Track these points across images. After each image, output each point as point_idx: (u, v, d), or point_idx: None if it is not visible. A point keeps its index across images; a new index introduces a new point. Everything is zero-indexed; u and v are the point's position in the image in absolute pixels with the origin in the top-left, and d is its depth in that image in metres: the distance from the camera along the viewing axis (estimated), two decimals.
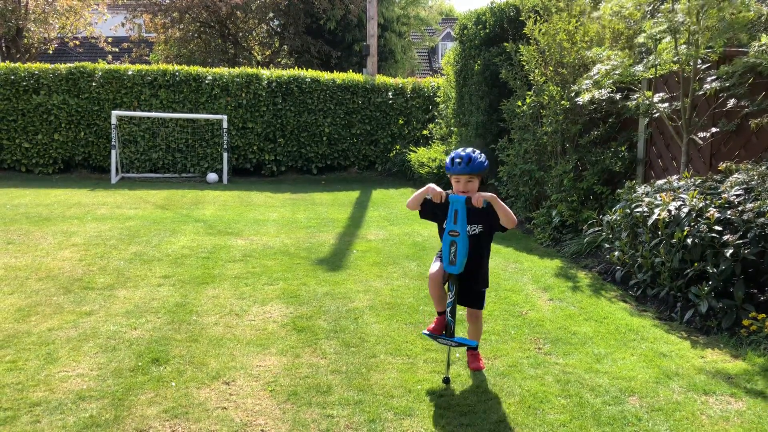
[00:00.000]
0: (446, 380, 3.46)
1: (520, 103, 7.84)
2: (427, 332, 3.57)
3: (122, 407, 3.11)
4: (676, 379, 3.49)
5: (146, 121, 12.38)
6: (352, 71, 14.24)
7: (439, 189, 3.39)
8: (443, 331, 3.53)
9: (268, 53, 21.56)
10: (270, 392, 3.32)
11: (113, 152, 11.80)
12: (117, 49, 22.38)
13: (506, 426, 3.04)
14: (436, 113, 12.73)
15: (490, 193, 3.30)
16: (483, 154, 3.43)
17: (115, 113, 11.77)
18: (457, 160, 3.37)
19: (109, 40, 21.94)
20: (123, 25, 20.78)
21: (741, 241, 4.26)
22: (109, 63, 13.06)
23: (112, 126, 11.74)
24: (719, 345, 4.04)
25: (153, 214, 8.34)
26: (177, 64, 14.96)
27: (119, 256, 6.04)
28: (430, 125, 12.75)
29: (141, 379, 3.41)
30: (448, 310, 3.48)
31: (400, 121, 13.54)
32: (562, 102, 7.12)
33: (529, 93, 7.71)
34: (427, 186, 3.46)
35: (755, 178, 4.73)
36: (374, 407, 3.18)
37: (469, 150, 3.41)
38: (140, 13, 19.97)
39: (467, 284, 3.52)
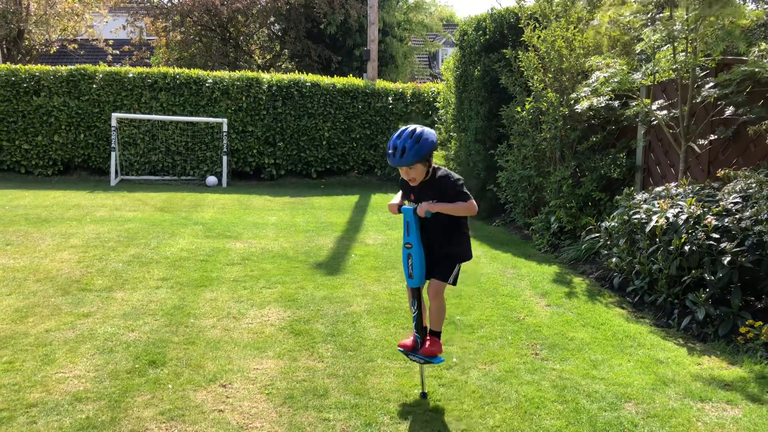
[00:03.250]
0: (423, 395, 3.35)
1: (519, 109, 7.87)
2: (401, 349, 3.42)
3: (118, 409, 3.11)
4: (672, 386, 3.50)
5: (146, 123, 12.40)
6: (353, 76, 14.28)
7: (395, 202, 3.34)
8: (414, 348, 3.35)
9: (268, 57, 21.62)
10: (267, 395, 3.33)
11: (113, 154, 11.81)
12: (118, 52, 22.42)
13: (504, 431, 3.04)
14: (435, 118, 12.75)
15: (428, 204, 3.13)
16: (426, 129, 3.12)
17: (115, 115, 11.79)
18: (390, 151, 3.13)
19: (111, 42, 21.98)
20: (124, 27, 20.83)
21: (738, 249, 4.28)
22: (110, 65, 13.07)
23: (112, 128, 11.76)
24: (716, 352, 4.04)
25: (152, 216, 8.34)
26: (178, 67, 14.99)
27: (117, 258, 6.05)
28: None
29: (138, 381, 3.41)
30: (414, 324, 3.37)
31: (400, 126, 13.56)
32: (561, 108, 7.15)
33: (528, 99, 7.73)
34: (389, 205, 3.38)
35: (753, 185, 4.74)
36: (370, 411, 3.18)
37: (406, 132, 3.10)
38: (141, 16, 20.03)
39: (433, 251, 3.29)
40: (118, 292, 4.98)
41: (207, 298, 4.92)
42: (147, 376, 3.48)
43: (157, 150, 12.52)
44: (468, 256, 3.36)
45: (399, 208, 3.33)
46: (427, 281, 3.34)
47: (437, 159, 11.35)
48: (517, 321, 4.56)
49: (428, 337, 3.38)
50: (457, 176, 3.24)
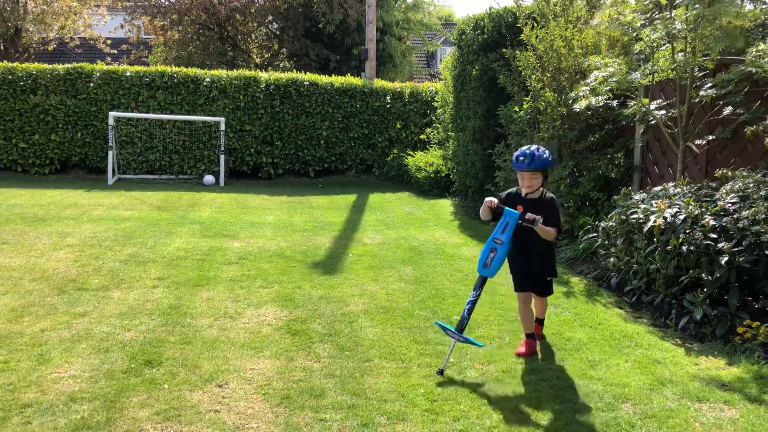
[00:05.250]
0: (440, 372, 3.60)
1: (517, 109, 7.86)
2: (518, 353, 3.93)
3: (114, 409, 3.10)
4: (669, 386, 3.49)
5: (143, 122, 12.36)
6: (351, 75, 14.25)
7: (493, 199, 3.77)
8: (531, 353, 3.91)
9: (266, 56, 21.58)
10: (263, 395, 3.31)
11: (110, 153, 11.78)
12: (116, 51, 22.37)
13: (501, 431, 3.03)
14: (433, 117, 12.74)
15: (538, 220, 3.60)
16: (547, 151, 3.72)
17: (112, 114, 11.75)
18: (521, 158, 3.70)
19: (108, 41, 21.93)
20: (122, 26, 20.78)
21: (736, 249, 4.27)
22: (107, 64, 13.04)
23: (109, 127, 11.73)
24: (713, 352, 4.04)
25: (149, 215, 8.32)
26: (175, 65, 14.95)
27: (114, 257, 6.02)
28: (428, 129, 12.76)
29: (133, 381, 3.40)
30: (467, 308, 3.71)
31: (398, 125, 13.54)
32: (559, 108, 7.14)
33: (526, 99, 7.72)
34: (486, 200, 3.76)
35: (751, 185, 4.74)
36: (367, 411, 3.17)
37: (533, 147, 3.70)
38: (139, 15, 19.97)
39: (531, 267, 3.93)
40: (115, 292, 4.96)
41: (204, 297, 4.90)
42: (143, 376, 3.46)
43: (154, 149, 12.48)
44: (556, 273, 4.12)
45: (496, 208, 3.74)
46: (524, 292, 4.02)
47: (435, 158, 11.34)
48: (514, 321, 4.55)
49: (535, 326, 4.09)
50: (560, 202, 3.74)
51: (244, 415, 3.11)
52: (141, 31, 21.52)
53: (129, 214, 8.31)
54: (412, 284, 5.41)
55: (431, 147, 12.29)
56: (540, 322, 4.21)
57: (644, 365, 3.79)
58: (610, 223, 5.43)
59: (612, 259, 5.34)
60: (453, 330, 3.70)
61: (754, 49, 5.17)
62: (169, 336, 4.07)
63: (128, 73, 12.28)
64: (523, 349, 3.93)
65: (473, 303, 3.71)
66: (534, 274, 3.94)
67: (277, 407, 3.20)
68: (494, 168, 8.53)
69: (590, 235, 6.12)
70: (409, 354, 3.91)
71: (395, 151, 13.24)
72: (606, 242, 5.54)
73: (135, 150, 12.44)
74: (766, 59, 5.14)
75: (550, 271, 4.02)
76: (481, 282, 3.72)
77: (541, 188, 3.82)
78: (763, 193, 4.48)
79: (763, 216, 4.31)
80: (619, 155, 6.97)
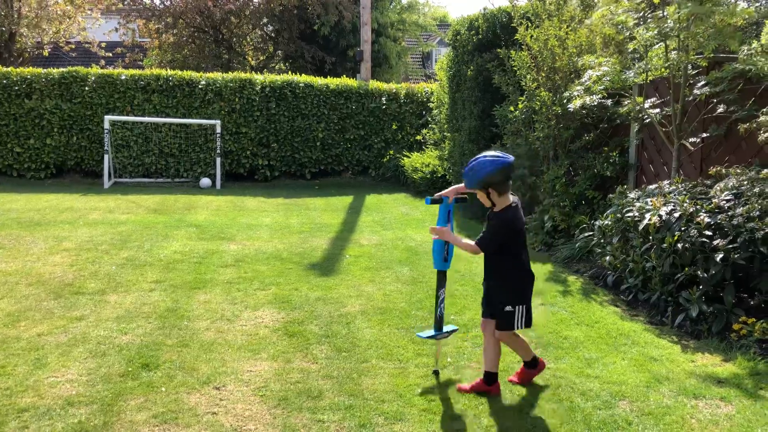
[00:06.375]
0: (436, 372, 3.62)
1: (512, 109, 7.88)
2: (512, 380, 3.54)
3: (111, 413, 3.09)
4: (666, 384, 3.50)
5: (139, 125, 12.35)
6: (347, 77, 14.27)
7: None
8: (525, 381, 3.51)
9: (262, 58, 21.57)
10: (260, 397, 3.31)
11: (106, 157, 11.76)
12: (110, 54, 22.33)
13: (497, 430, 3.04)
14: (429, 118, 12.76)
15: (440, 230, 3.45)
16: (478, 162, 3.23)
17: (107, 118, 11.74)
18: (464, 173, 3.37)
19: (103, 45, 21.88)
20: (117, 30, 20.75)
21: (731, 246, 4.29)
22: (102, 68, 13.02)
23: (105, 131, 11.71)
24: (710, 349, 4.05)
25: (145, 218, 8.31)
26: (171, 69, 14.93)
27: (110, 261, 6.02)
28: (424, 130, 12.78)
29: (131, 385, 3.39)
30: (440, 306, 3.64)
31: (394, 126, 13.56)
32: (554, 107, 7.16)
33: (521, 98, 7.74)
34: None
35: (745, 183, 4.76)
36: (365, 412, 3.17)
37: (475, 161, 3.26)
38: (134, 18, 19.94)
39: (486, 297, 3.50)
40: (111, 295, 4.96)
41: (200, 300, 4.90)
42: (140, 379, 3.46)
43: (150, 152, 12.47)
44: (510, 303, 3.32)
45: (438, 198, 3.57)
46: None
47: (431, 159, 11.35)
48: None
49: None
50: (502, 224, 3.30)
51: (242, 417, 3.11)
52: (136, 34, 21.48)
53: (125, 218, 8.30)
54: (409, 285, 5.42)
55: (427, 148, 12.30)
56: (485, 375, 3.41)
57: (641, 363, 3.80)
58: (606, 222, 5.44)
59: (608, 257, 5.35)
60: (434, 333, 3.69)
61: (746, 47, 5.20)
62: (166, 339, 4.06)
63: (123, 77, 12.27)
64: (466, 386, 3.44)
65: (443, 299, 3.65)
66: (485, 297, 3.50)
67: (274, 409, 3.20)
68: None
69: (586, 234, 6.14)
70: (407, 354, 3.92)
71: (391, 152, 13.25)
72: (602, 241, 5.55)
73: (131, 153, 12.42)
74: (758, 57, 5.17)
75: (497, 298, 3.38)
76: (443, 277, 3.63)
77: (494, 203, 3.32)
78: (756, 190, 4.50)
79: (758, 213, 4.33)
80: (614, 154, 6.99)
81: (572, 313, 4.75)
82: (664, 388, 3.45)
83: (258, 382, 3.48)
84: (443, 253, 3.56)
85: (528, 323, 3.38)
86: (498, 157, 3.23)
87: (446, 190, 3.60)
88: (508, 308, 3.32)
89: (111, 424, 2.99)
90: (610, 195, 5.81)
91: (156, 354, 3.81)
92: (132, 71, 12.56)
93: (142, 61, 21.22)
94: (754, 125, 5.12)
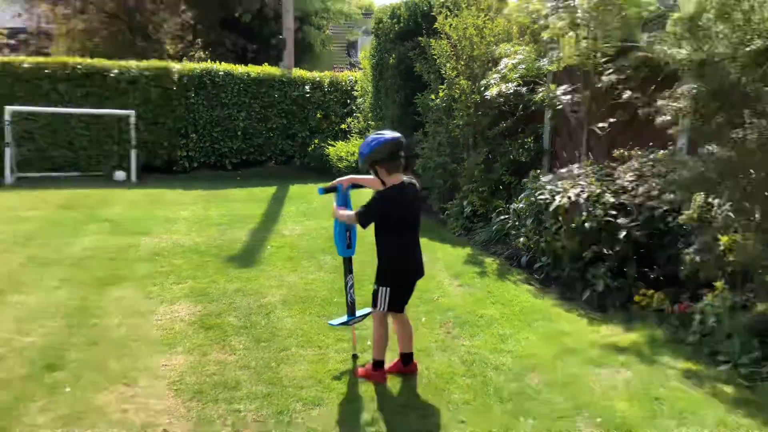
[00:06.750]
0: (354, 357, 3.63)
1: (433, 97, 7.98)
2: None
3: (10, 417, 2.92)
4: (573, 355, 3.68)
5: (45, 117, 11.62)
6: (270, 65, 13.99)
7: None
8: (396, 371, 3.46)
9: (180, 47, 20.80)
10: (175, 391, 3.23)
11: (7, 150, 11.00)
12: (14, 41, 20.86)
13: (413, 407, 3.10)
14: (354, 107, 12.74)
15: (334, 210, 3.50)
16: (367, 140, 3.28)
17: (8, 109, 10.97)
18: None
19: (4, 31, 20.42)
20: (20, 15, 19.39)
21: (633, 224, 4.55)
22: (5, 56, 12.14)
23: (6, 122, 10.95)
24: (614, 321, 4.29)
25: (53, 214, 7.85)
26: (80, 57, 14.12)
27: (12, 260, 5.65)
28: (349, 119, 12.74)
29: (32, 387, 3.21)
30: (350, 292, 3.69)
31: (319, 115, 13.44)
32: (473, 95, 7.31)
33: (441, 87, 7.85)
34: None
35: (645, 164, 5.05)
36: (283, 399, 3.15)
37: (366, 141, 3.32)
38: (38, 2, 18.71)
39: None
40: (12, 296, 4.66)
41: (113, 297, 4.69)
42: (42, 382, 3.28)
43: (58, 145, 11.76)
44: (377, 282, 3.31)
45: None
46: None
47: (356, 148, 11.33)
48: (431, 302, 4.65)
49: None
50: (382, 198, 3.30)
51: (155, 412, 3.01)
52: (41, 19, 20.17)
53: (31, 215, 7.81)
54: (331, 273, 5.41)
55: (352, 137, 12.28)
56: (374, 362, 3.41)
57: (551, 337, 3.98)
58: (520, 205, 5.63)
59: (522, 238, 5.54)
60: (348, 318, 3.70)
61: (646, 35, 5.48)
62: (72, 338, 3.87)
63: (26, 65, 11.50)
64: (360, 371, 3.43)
65: (352, 285, 3.67)
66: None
67: (189, 402, 3.12)
68: (413, 156, 8.63)
69: (502, 217, 6.34)
70: (327, 341, 3.92)
71: (316, 141, 13.14)
72: (517, 223, 5.74)
73: (36, 146, 11.68)
74: (658, 45, 5.47)
75: (378, 276, 3.35)
76: (349, 263, 3.64)
77: (383, 182, 3.32)
78: (655, 171, 4.78)
79: (657, 192, 4.61)
80: (529, 140, 7.22)
81: (488, 292, 4.90)
82: (571, 359, 3.62)
83: (172, 377, 3.38)
84: (345, 239, 3.57)
85: (395, 307, 3.30)
86: (383, 134, 3.31)
87: (341, 179, 3.65)
88: (374, 287, 3.32)
89: (8, 429, 2.82)
90: (524, 180, 6.01)
91: (61, 354, 3.62)
92: (36, 58, 11.79)
93: (49, 49, 19.97)
94: (654, 110, 5.42)
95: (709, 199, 3.86)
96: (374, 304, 3.35)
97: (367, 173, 3.46)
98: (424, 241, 6.64)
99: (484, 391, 3.21)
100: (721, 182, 3.76)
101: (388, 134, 3.31)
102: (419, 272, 3.41)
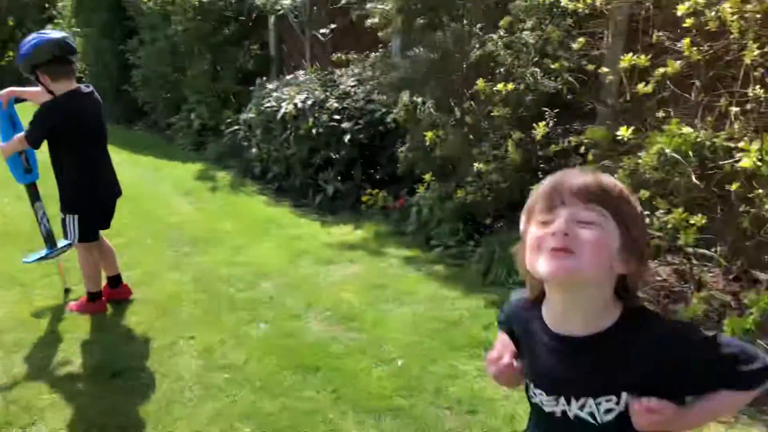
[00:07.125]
0: (67, 291, 3.26)
1: (145, 0, 7.11)
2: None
3: None
4: (305, 257, 3.78)
5: None
6: None
7: None
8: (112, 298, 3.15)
9: None
10: None
11: None
12: None
13: (141, 331, 2.88)
14: (54, 12, 10.83)
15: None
16: (26, 41, 2.80)
17: None
18: None
19: None
20: None
21: (357, 128, 4.74)
22: None
23: None
24: (344, 221, 4.50)
25: None
26: None
27: None
28: (49, 26, 10.79)
29: None
30: (43, 222, 3.19)
31: (10, 23, 11.14)
32: None
33: None
34: None
35: (366, 69, 5.24)
36: None
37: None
38: None
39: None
40: None
41: None
42: None
43: None
44: (63, 209, 2.91)
45: None
46: None
47: None
48: (158, 221, 4.34)
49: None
50: (50, 108, 2.81)
51: None
52: None
53: None
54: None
55: None
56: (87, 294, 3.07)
57: (285, 243, 4.02)
58: (251, 115, 5.46)
59: (254, 149, 5.43)
60: (47, 251, 3.18)
61: None
62: None
63: None
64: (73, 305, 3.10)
65: (44, 214, 3.16)
66: None
67: None
68: (131, 67, 7.73)
69: (233, 128, 6.10)
70: (33, 277, 3.39)
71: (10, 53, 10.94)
72: (248, 134, 5.59)
73: None
74: None
75: (63, 202, 2.94)
76: (33, 190, 3.16)
77: (51, 92, 2.82)
78: (371, 74, 5.00)
79: (375, 96, 4.84)
80: (255, 47, 6.96)
81: (220, 206, 4.75)
82: (303, 261, 3.72)
83: None
84: (21, 163, 3.02)
85: (88, 237, 2.94)
86: (48, 33, 2.92)
87: None
88: (61, 215, 2.92)
89: None
90: (251, 88, 5.82)
91: None
92: None
93: None
94: (365, 14, 5.58)
95: (415, 98, 4.16)
96: (65, 235, 2.96)
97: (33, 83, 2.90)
98: (147, 159, 6.14)
99: (215, 305, 3.12)
100: (426, 83, 4.06)
101: (54, 33, 2.90)
102: (115, 192, 3.04)
